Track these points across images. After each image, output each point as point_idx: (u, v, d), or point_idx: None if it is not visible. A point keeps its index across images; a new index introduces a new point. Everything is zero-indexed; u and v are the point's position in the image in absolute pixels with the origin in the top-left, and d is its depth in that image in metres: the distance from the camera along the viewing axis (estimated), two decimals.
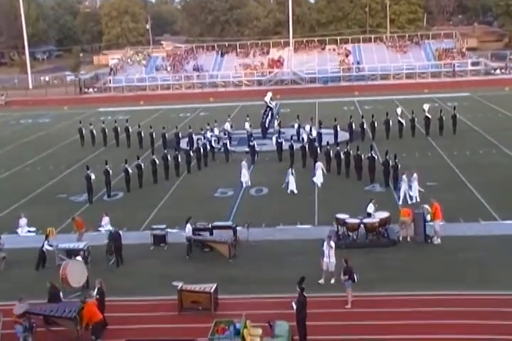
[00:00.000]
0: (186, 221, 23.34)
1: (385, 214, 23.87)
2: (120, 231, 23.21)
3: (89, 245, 23.03)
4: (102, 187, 31.56)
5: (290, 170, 30.59)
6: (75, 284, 20.02)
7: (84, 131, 44.49)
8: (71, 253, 22.51)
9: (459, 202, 26.98)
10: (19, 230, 26.38)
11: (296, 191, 30.14)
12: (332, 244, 20.03)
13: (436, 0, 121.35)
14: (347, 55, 78.96)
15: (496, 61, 77.42)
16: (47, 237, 23.52)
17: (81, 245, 22.98)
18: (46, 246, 23.00)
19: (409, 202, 27.14)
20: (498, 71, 72.37)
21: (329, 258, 19.80)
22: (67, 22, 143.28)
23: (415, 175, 27.56)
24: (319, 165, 31.83)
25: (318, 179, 31.32)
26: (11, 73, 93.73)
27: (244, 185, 32.02)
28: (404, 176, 27.67)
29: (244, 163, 32.46)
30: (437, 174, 31.68)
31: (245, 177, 32.18)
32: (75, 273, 20.01)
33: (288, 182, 30.45)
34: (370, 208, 24.35)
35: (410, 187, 27.52)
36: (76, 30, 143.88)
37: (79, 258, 21.13)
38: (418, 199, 27.18)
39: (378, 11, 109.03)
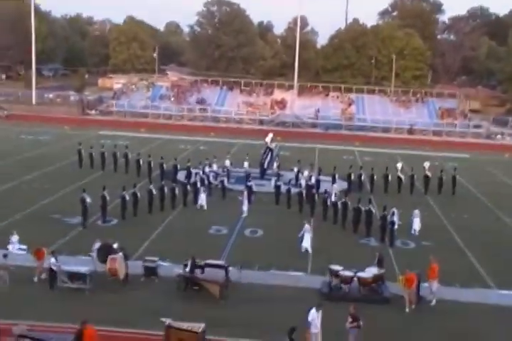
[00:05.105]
0: (192, 259, 23.42)
1: (379, 270, 23.75)
2: None
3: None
4: (97, 211, 31.37)
5: (307, 226, 28.39)
6: (122, 276, 23.07)
7: (83, 153, 44.42)
8: (73, 277, 22.69)
9: (454, 266, 26.70)
10: (10, 247, 25.99)
11: (310, 250, 28.04)
12: (320, 313, 18.61)
13: (442, 59, 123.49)
14: (350, 104, 79.86)
15: (497, 126, 78.47)
16: (53, 253, 23.39)
17: (83, 269, 22.95)
18: (53, 265, 22.86)
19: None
20: (499, 136, 73.21)
21: (318, 328, 18.50)
22: (75, 42, 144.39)
23: (416, 211, 31.71)
24: (307, 228, 28.51)
25: (306, 243, 28.31)
26: (16, 87, 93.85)
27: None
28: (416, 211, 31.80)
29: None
30: (433, 234, 31.64)
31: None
32: (121, 266, 23.14)
33: (302, 237, 28.15)
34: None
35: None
36: (84, 52, 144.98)
37: (121, 254, 23.48)
38: (417, 234, 31.40)
39: (384, 63, 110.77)
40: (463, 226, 33.75)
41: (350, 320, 18.60)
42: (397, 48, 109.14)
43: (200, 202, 35.46)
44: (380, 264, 24.28)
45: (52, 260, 22.90)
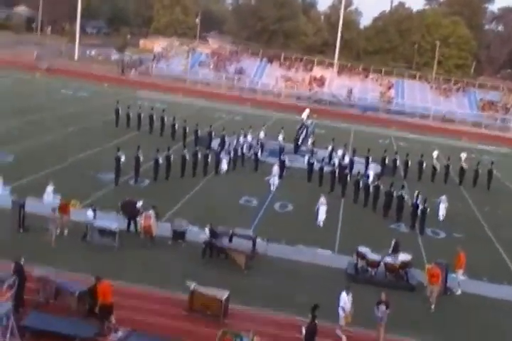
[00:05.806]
0: (210, 226, 23.44)
1: (407, 257, 23.43)
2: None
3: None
4: (130, 170, 31.51)
5: (323, 199, 28.90)
6: (155, 233, 23.56)
7: (120, 112, 44.52)
8: (103, 233, 22.93)
9: (484, 260, 26.34)
10: (45, 196, 26.07)
11: (322, 224, 28.64)
12: (351, 297, 18.31)
13: (487, 50, 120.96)
14: (389, 88, 78.93)
15: None
16: (92, 206, 23.88)
17: (113, 226, 23.12)
18: (89, 215, 23.21)
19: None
20: None
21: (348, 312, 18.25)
22: (120, 2, 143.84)
23: (443, 197, 31.74)
24: (323, 201, 28.87)
25: (321, 216, 28.77)
26: (60, 42, 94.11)
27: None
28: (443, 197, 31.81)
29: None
30: (465, 226, 31.25)
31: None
32: (154, 224, 23.60)
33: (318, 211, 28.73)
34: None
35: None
36: (128, 12, 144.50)
37: (152, 212, 23.56)
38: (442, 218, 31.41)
39: (427, 50, 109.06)
40: (496, 222, 33.13)
41: (383, 308, 18.00)
42: (441, 35, 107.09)
43: (222, 165, 35.68)
44: (395, 251, 23.95)
45: (89, 213, 23.21)
